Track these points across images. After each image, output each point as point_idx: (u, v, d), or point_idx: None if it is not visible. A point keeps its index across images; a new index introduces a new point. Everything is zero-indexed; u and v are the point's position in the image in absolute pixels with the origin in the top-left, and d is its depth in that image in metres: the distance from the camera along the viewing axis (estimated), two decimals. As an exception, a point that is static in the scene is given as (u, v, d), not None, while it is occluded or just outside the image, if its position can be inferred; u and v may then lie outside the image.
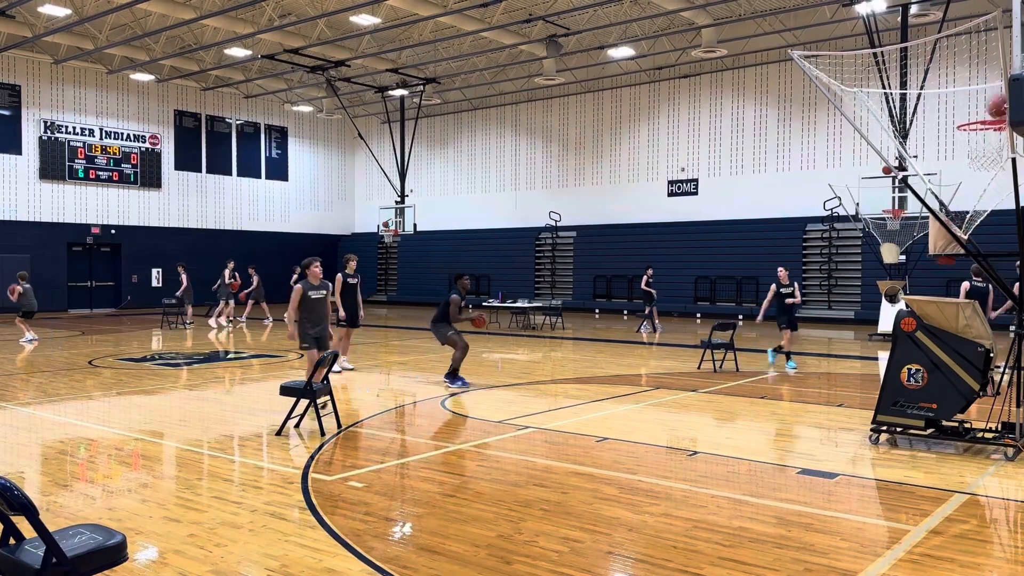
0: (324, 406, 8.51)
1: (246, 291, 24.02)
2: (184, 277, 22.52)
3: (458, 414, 9.68)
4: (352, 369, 13.22)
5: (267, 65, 28.37)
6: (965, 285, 13.36)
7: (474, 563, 4.71)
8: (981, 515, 5.87)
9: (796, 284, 13.90)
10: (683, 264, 26.74)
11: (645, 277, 21.22)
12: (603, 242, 28.99)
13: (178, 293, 22.48)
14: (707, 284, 26.61)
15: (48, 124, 27.71)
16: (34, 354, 15.60)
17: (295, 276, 20.87)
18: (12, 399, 10.44)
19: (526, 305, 22.87)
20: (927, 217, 9.33)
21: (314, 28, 24.54)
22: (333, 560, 4.76)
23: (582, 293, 29.45)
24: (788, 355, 13.75)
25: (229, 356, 15.58)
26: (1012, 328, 7.70)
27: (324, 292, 9.95)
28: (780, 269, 13.88)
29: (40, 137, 27.56)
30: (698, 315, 26.01)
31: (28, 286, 17.96)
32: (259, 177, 34.04)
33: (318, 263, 9.99)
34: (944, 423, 7.66)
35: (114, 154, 29.30)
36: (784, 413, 9.69)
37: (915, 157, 20.11)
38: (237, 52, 25.82)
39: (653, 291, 21.06)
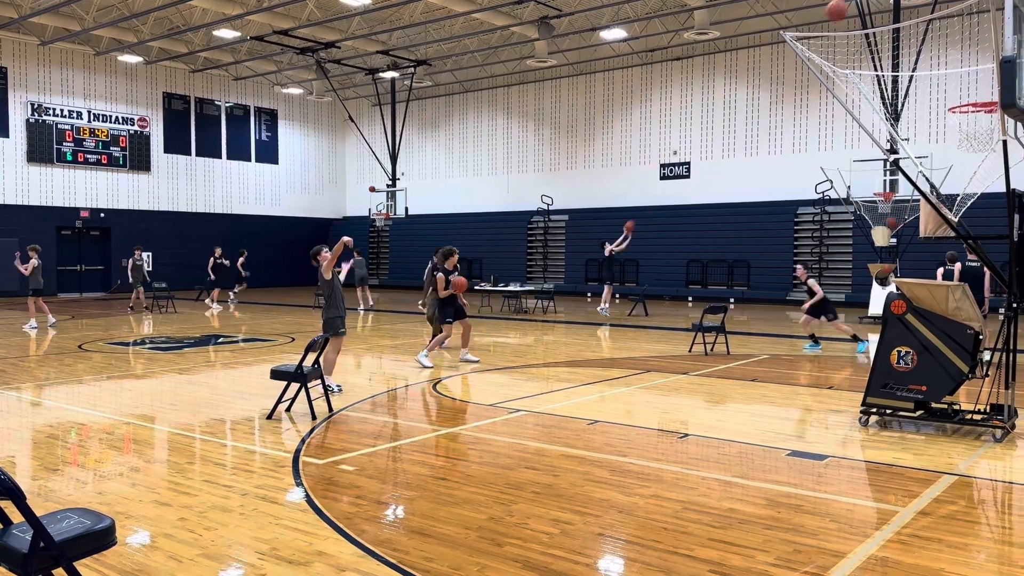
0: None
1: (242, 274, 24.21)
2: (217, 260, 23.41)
3: (450, 397, 9.69)
4: (476, 361, 12.36)
5: (256, 47, 28.13)
6: (940, 271, 13.53)
7: (465, 545, 4.72)
8: (969, 496, 5.91)
9: (813, 280, 13.90)
10: (675, 247, 26.76)
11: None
12: (595, 225, 28.93)
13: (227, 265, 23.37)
14: (699, 267, 26.63)
15: (35, 106, 27.44)
16: (23, 338, 15.52)
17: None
18: (2, 383, 10.39)
19: (518, 289, 22.85)
20: (918, 200, 9.33)
21: (303, 9, 24.32)
22: (324, 543, 4.76)
23: (574, 277, 29.44)
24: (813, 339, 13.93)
25: (220, 340, 15.54)
26: (1002, 310, 7.73)
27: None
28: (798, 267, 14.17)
29: (27, 120, 27.31)
30: (689, 298, 26.05)
31: (39, 262, 17.32)
32: (249, 160, 33.82)
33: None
34: (933, 405, 7.70)
35: (103, 137, 29.06)
36: (774, 395, 9.73)
37: (906, 140, 20.11)
38: (226, 34, 25.57)
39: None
